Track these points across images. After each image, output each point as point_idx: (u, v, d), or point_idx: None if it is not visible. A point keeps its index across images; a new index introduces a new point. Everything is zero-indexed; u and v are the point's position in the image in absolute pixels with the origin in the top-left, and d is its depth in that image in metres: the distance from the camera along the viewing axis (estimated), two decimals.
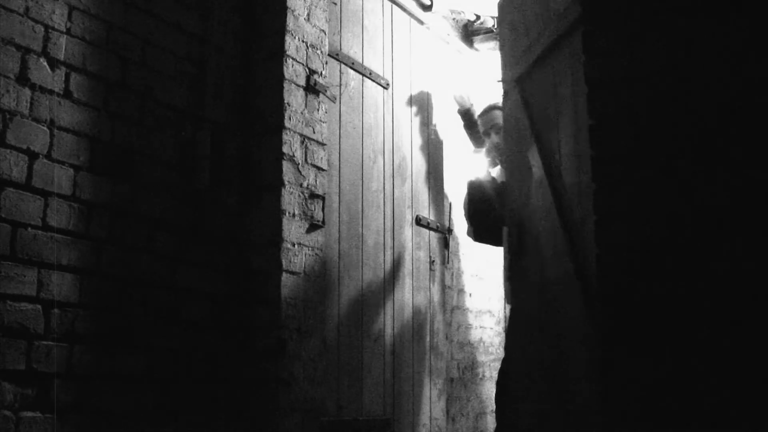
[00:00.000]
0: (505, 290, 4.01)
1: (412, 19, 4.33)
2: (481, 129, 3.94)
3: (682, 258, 1.84)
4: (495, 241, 4.13)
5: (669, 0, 1.94)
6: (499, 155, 3.81)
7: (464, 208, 4.01)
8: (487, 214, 3.85)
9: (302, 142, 3.18)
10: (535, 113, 2.55)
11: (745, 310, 1.75)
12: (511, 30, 2.88)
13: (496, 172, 3.88)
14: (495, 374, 5.21)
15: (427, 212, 4.24)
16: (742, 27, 1.83)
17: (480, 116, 3.97)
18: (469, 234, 4.03)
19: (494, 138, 3.86)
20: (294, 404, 2.96)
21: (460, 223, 4.57)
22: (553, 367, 2.31)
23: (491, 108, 3.93)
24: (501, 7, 3.12)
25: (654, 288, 1.87)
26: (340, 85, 3.63)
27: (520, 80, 2.72)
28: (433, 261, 4.26)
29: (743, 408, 1.74)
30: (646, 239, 1.89)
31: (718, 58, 1.85)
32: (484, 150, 4.03)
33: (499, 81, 3.04)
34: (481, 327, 5.24)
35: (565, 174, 2.25)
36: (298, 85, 3.20)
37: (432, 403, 4.07)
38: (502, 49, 3.07)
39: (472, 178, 3.99)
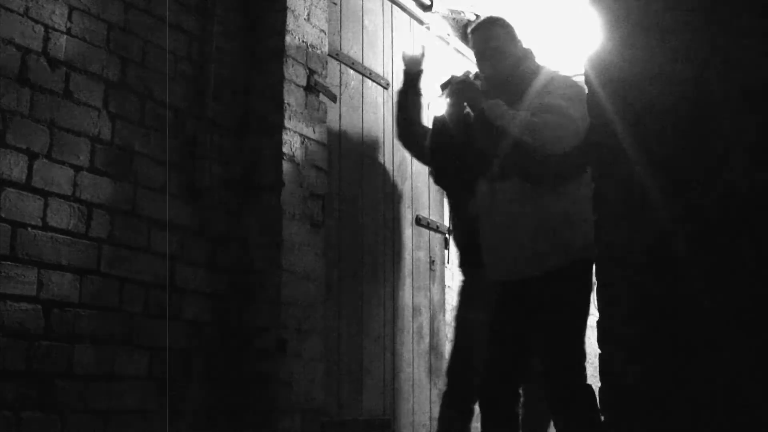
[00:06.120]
0: None
1: (412, 19, 4.33)
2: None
3: (681, 258, 1.85)
4: (453, 194, 3.65)
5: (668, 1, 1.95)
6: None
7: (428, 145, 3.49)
8: (449, 156, 3.32)
9: (302, 142, 3.18)
10: None
11: (746, 310, 1.76)
12: None
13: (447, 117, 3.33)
14: None
15: (427, 212, 4.24)
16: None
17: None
18: (431, 174, 3.62)
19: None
20: (294, 404, 2.96)
21: None
22: None
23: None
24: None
25: (653, 287, 1.87)
26: (340, 85, 3.63)
27: None
28: (433, 261, 4.26)
29: (744, 409, 1.74)
30: (645, 239, 1.89)
31: (721, 58, 1.85)
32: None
33: None
34: None
35: None
36: (298, 85, 3.21)
37: (432, 403, 4.07)
38: None
39: (439, 115, 3.45)
